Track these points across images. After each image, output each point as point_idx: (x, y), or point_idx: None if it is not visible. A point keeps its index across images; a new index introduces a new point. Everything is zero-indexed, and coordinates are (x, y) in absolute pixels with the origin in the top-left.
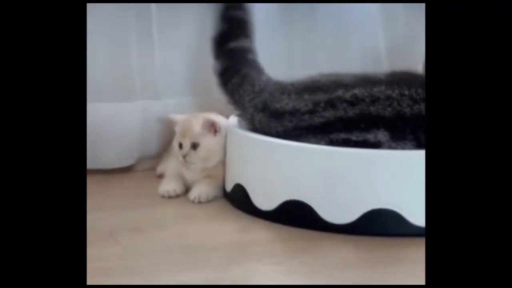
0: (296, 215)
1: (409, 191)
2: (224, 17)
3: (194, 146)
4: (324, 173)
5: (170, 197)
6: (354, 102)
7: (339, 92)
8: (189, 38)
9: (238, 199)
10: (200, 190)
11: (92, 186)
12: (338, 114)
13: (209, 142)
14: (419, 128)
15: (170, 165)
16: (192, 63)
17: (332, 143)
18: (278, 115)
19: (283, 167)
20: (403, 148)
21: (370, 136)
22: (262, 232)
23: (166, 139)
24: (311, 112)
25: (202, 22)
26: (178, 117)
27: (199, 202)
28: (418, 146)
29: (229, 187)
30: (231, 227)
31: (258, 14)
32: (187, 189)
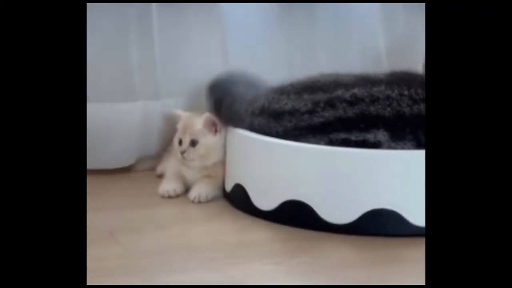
0: (296, 215)
1: (409, 191)
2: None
3: (193, 143)
4: (324, 173)
5: (170, 197)
6: (353, 102)
7: (339, 92)
8: (189, 38)
9: (238, 199)
10: (200, 190)
11: (92, 186)
12: (338, 114)
13: (208, 141)
14: (418, 128)
15: (170, 165)
16: (192, 63)
17: (331, 143)
18: (277, 115)
19: (283, 167)
20: (402, 148)
21: (370, 136)
22: (262, 232)
23: (166, 139)
24: (311, 112)
25: (202, 22)
26: (182, 113)
27: (199, 202)
28: (418, 146)
29: (229, 187)
30: (231, 227)
31: (258, 14)
32: (187, 189)
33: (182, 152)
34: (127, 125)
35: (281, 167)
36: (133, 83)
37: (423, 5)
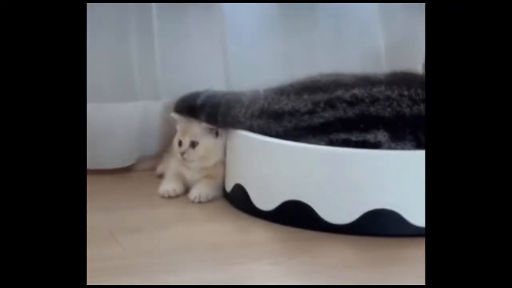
0: (296, 215)
1: (409, 191)
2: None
3: (193, 144)
4: (323, 173)
5: (170, 197)
6: (353, 102)
7: (339, 92)
8: (189, 38)
9: (238, 199)
10: (200, 190)
11: (92, 186)
12: (338, 114)
13: (208, 142)
14: (418, 129)
15: (170, 165)
16: (192, 63)
17: (331, 143)
18: (277, 116)
19: (283, 167)
20: (402, 148)
21: (370, 137)
22: (262, 232)
23: (166, 139)
24: (311, 112)
25: (202, 22)
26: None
27: (199, 202)
28: (418, 146)
29: (229, 187)
30: (231, 227)
31: (258, 14)
32: (187, 189)
33: (182, 153)
34: (127, 125)
35: (281, 168)
36: (133, 83)
37: (422, 5)
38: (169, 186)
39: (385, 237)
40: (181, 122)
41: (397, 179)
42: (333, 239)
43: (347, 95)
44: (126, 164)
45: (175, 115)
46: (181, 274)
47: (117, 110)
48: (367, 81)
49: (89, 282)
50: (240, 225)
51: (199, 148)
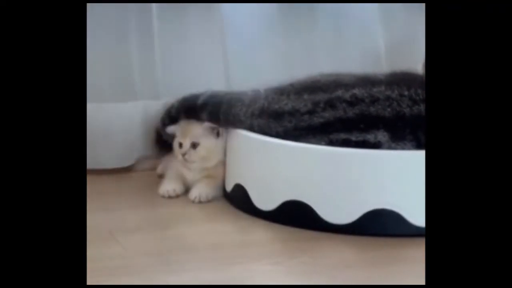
0: (296, 215)
1: (409, 191)
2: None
3: (194, 145)
4: (324, 173)
5: (170, 197)
6: (353, 102)
7: (339, 92)
8: (189, 38)
9: (238, 199)
10: (200, 190)
11: (92, 186)
12: (338, 114)
13: (209, 143)
14: (418, 129)
15: (171, 165)
16: (192, 63)
17: (331, 143)
18: (277, 115)
19: (283, 167)
20: (402, 148)
21: (370, 137)
22: (262, 232)
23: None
24: (311, 112)
25: (202, 22)
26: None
27: (199, 202)
28: (418, 147)
29: (229, 187)
30: (231, 227)
31: (258, 14)
32: (187, 189)
33: (183, 154)
34: (127, 125)
35: (281, 167)
36: (133, 83)
37: (422, 5)
38: (169, 186)
39: (385, 237)
40: (180, 126)
41: (397, 179)
42: (333, 239)
43: (347, 95)
44: (126, 164)
45: (170, 129)
46: (181, 274)
47: (117, 110)
48: (367, 81)
49: (89, 282)
50: (240, 225)
51: (200, 149)
